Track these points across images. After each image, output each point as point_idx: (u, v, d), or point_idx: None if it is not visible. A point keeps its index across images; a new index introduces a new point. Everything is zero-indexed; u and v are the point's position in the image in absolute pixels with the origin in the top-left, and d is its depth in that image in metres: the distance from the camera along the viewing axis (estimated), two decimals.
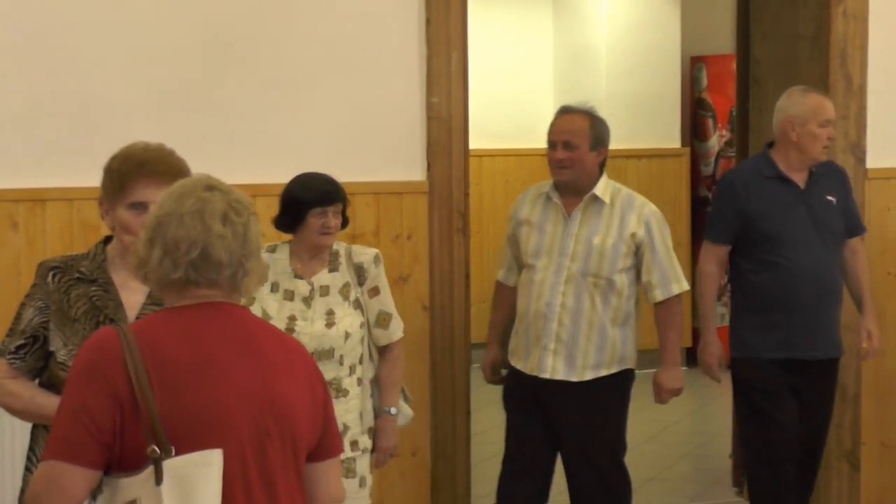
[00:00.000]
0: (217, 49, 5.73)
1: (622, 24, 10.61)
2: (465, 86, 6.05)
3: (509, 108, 10.86)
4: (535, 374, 5.48)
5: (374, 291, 5.09)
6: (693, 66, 10.97)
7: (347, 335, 4.95)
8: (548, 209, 5.55)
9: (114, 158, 3.79)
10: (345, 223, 5.02)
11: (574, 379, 5.45)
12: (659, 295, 5.51)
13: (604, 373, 5.49)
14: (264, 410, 2.99)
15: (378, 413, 5.11)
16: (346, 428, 4.97)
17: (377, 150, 5.95)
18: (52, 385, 3.77)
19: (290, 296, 4.95)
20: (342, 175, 5.70)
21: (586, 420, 5.51)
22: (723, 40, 10.71)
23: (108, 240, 3.90)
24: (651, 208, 5.53)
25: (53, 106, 5.49)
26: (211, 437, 2.88)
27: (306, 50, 5.84)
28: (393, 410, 5.14)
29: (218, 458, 2.86)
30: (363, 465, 5.05)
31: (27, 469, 3.84)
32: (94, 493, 2.91)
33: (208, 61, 5.72)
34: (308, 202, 4.90)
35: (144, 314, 3.77)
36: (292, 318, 4.92)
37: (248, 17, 5.79)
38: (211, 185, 3.09)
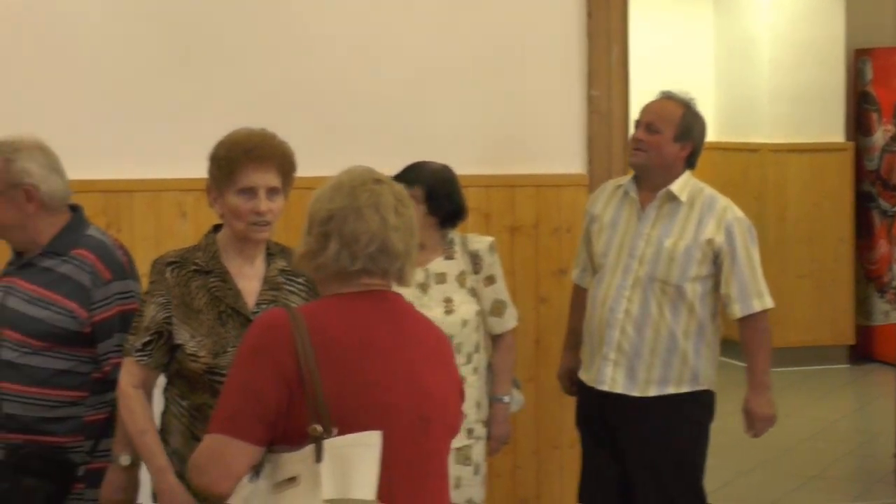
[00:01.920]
0: (371, 42, 5.81)
1: (785, 16, 10.48)
2: (625, 79, 6.03)
3: None
4: (593, 385, 5.09)
5: (490, 280, 5.09)
6: (857, 58, 10.79)
7: (465, 322, 4.97)
8: (623, 205, 5.12)
9: (220, 146, 3.84)
10: (458, 214, 5.01)
11: (635, 394, 4.99)
12: (738, 311, 4.98)
13: (671, 390, 4.99)
14: (423, 396, 3.05)
15: (491, 401, 5.11)
16: (462, 416, 5.01)
17: (537, 143, 5.96)
18: (182, 377, 3.83)
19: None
20: (502, 167, 5.78)
21: (652, 443, 5.02)
22: (889, 33, 10.52)
23: (217, 228, 3.94)
24: (735, 213, 5.01)
25: (217, 97, 5.62)
26: (372, 420, 2.94)
27: (468, 42, 5.87)
28: (506, 398, 5.14)
29: (377, 439, 2.91)
30: (478, 452, 5.07)
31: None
32: (256, 469, 2.97)
33: (363, 54, 5.80)
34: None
35: (263, 301, 3.83)
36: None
37: (407, 10, 5.86)
38: (378, 179, 3.15)
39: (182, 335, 3.78)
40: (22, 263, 4.22)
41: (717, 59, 11.10)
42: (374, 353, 3.01)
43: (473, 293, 5.03)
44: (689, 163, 5.07)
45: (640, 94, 6.35)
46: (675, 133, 5.01)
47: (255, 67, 5.67)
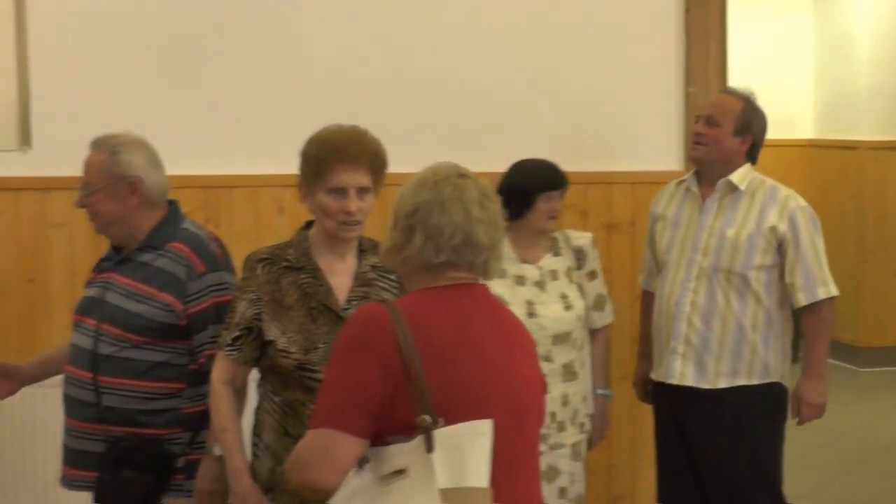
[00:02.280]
0: (467, 39, 5.82)
1: (886, 13, 10.35)
2: (723, 76, 6.00)
3: (767, 99, 10.66)
4: (663, 380, 5.07)
5: (592, 275, 5.11)
6: None
7: (579, 317, 5.00)
8: (685, 201, 5.11)
9: (310, 143, 3.84)
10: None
11: (705, 386, 4.95)
12: (802, 299, 4.90)
13: (742, 382, 4.95)
14: (517, 388, 3.06)
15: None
16: (575, 412, 5.01)
17: (634, 140, 5.95)
18: (273, 372, 3.84)
19: (521, 281, 4.97)
20: (599, 165, 5.77)
21: (724, 437, 4.97)
22: None
23: (309, 224, 3.95)
24: (798, 202, 4.97)
25: (314, 94, 5.66)
26: (472, 411, 2.94)
27: (565, 38, 5.87)
28: (606, 392, 5.16)
29: (489, 427, 2.92)
30: (584, 447, 5.12)
31: (255, 446, 3.93)
32: (361, 462, 2.97)
33: (464, 49, 5.81)
34: (537, 188, 4.94)
35: (354, 297, 3.84)
36: (530, 303, 4.94)
37: (503, 6, 5.86)
38: (462, 173, 3.17)
39: (273, 331, 3.80)
40: (120, 259, 4.28)
41: (815, 56, 11.00)
42: (472, 344, 3.02)
43: (580, 288, 5.05)
44: (750, 157, 5.07)
45: None
46: (735, 127, 5.01)
47: (353, 64, 5.71)
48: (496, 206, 3.17)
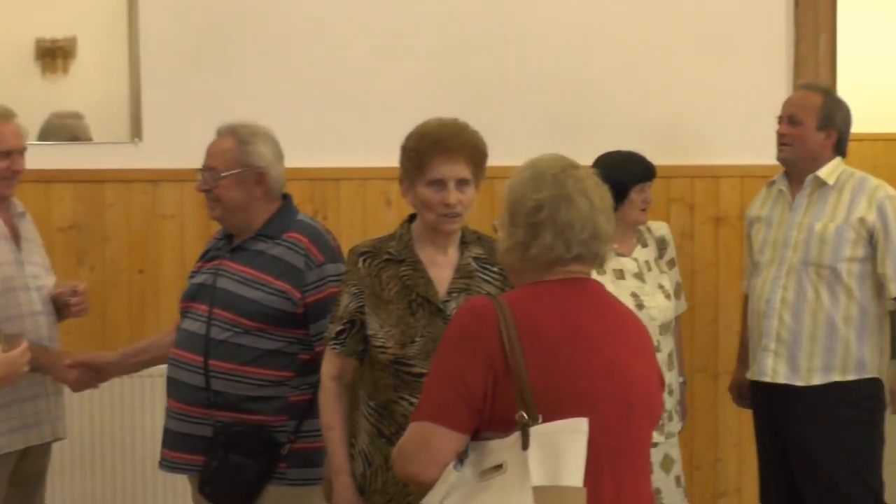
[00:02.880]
0: (576, 33, 5.82)
1: None
2: (833, 69, 5.93)
3: (877, 92, 10.56)
4: (756, 378, 5.02)
5: (672, 263, 5.13)
6: None
7: (676, 307, 5.01)
8: (777, 202, 5.07)
9: (410, 137, 3.84)
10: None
11: (799, 383, 4.89)
12: (894, 289, 4.84)
13: (836, 378, 4.87)
14: (628, 384, 3.02)
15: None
16: (676, 401, 5.03)
17: (743, 133, 5.90)
18: (369, 369, 3.85)
19: (620, 274, 4.95)
20: (707, 158, 5.73)
21: (819, 435, 4.89)
22: None
23: (412, 218, 3.94)
24: (887, 191, 4.89)
25: (422, 87, 5.69)
26: (578, 407, 2.91)
27: (673, 32, 5.85)
28: (684, 379, 5.17)
29: (585, 426, 2.89)
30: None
31: (352, 447, 3.92)
32: (461, 457, 2.97)
33: (569, 43, 5.81)
34: (631, 179, 4.93)
35: (454, 289, 3.82)
36: (635, 295, 4.94)
37: (613, 1, 5.86)
38: (574, 164, 3.15)
39: (372, 325, 3.80)
40: (232, 247, 4.32)
41: None
42: (578, 340, 2.99)
43: (665, 277, 5.06)
44: (838, 150, 5.00)
45: (848, 85, 6.27)
46: (818, 122, 4.96)
47: (460, 58, 5.73)
48: (608, 193, 3.15)
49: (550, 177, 3.08)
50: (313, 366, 4.13)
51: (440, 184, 3.76)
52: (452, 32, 5.74)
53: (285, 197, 4.39)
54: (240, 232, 4.32)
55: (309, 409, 4.18)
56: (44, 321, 4.55)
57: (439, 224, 3.81)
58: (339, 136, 5.68)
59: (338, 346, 3.86)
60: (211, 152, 4.33)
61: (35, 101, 5.64)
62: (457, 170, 3.78)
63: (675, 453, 5.02)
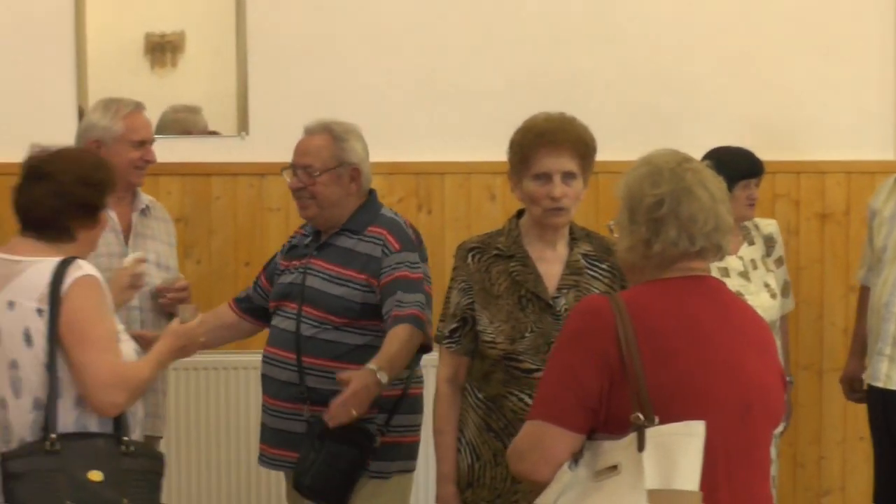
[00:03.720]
0: (680, 27, 5.80)
1: None
2: None
3: None
4: (870, 382, 4.87)
5: (780, 261, 5.08)
6: None
7: (781, 305, 4.97)
8: None
9: (517, 132, 3.84)
10: None
11: None
12: None
13: None
14: (746, 384, 2.97)
15: None
16: (785, 405, 4.98)
17: (848, 129, 5.84)
18: (480, 366, 3.85)
19: (725, 272, 4.90)
20: (812, 153, 5.68)
21: None
22: None
23: (521, 213, 3.94)
24: None
25: (524, 80, 5.68)
26: (695, 408, 2.88)
27: (778, 26, 5.80)
28: (791, 379, 5.07)
29: (701, 429, 2.85)
30: None
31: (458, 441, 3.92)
32: (576, 457, 2.96)
33: (674, 38, 5.80)
34: (735, 175, 4.88)
35: (564, 285, 3.82)
36: (740, 294, 4.86)
37: None
38: (688, 157, 3.10)
39: (482, 321, 3.80)
40: (319, 245, 4.33)
41: None
42: (696, 339, 2.95)
43: (772, 276, 5.02)
44: None
45: None
46: None
47: (565, 52, 5.72)
48: (724, 185, 3.11)
49: (668, 171, 3.04)
50: None
51: (545, 177, 3.76)
52: (557, 27, 5.73)
53: (371, 192, 4.40)
54: (327, 228, 4.34)
55: (399, 403, 4.20)
56: (137, 315, 4.59)
57: (545, 218, 3.81)
58: (444, 131, 5.70)
59: (453, 345, 3.86)
60: (304, 150, 4.34)
61: (144, 95, 5.72)
62: (561, 162, 3.77)
63: (773, 453, 4.97)
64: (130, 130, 4.63)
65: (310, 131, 4.36)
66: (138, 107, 4.71)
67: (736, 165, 4.92)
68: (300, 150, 4.36)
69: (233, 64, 5.68)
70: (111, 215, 4.63)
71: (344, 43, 5.68)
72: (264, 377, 4.36)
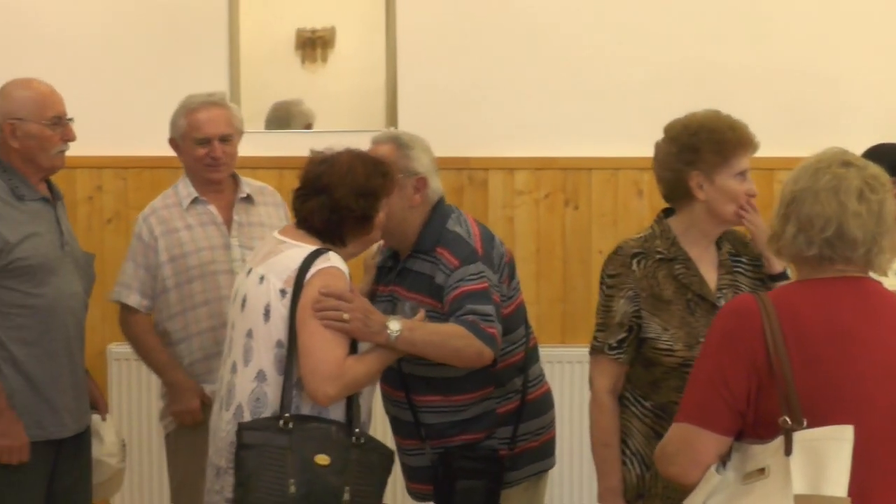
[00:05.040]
0: (830, 24, 5.73)
1: None
2: None
3: None
4: None
5: None
6: None
7: None
8: None
9: (706, 130, 3.73)
10: None
11: None
12: None
13: None
14: None
15: None
16: None
17: None
18: (644, 372, 3.74)
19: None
20: None
21: None
22: None
23: (666, 213, 3.86)
24: None
25: (671, 77, 5.67)
26: (845, 412, 2.84)
27: None
28: None
29: (850, 434, 2.80)
30: None
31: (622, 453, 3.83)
32: (724, 459, 2.94)
33: (825, 33, 5.72)
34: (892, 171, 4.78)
35: (723, 285, 3.76)
36: None
37: None
38: (847, 161, 3.04)
39: (653, 328, 3.71)
40: (399, 270, 4.18)
41: None
42: (846, 342, 2.90)
43: None
44: None
45: None
46: None
47: (713, 47, 5.68)
48: (881, 197, 3.01)
49: (812, 170, 3.01)
50: (510, 373, 4.10)
51: (743, 175, 3.73)
52: (703, 23, 5.69)
53: (437, 204, 4.19)
54: (399, 245, 4.19)
55: (520, 413, 4.13)
56: None
57: (735, 216, 3.76)
58: (592, 126, 5.68)
59: (622, 356, 3.75)
60: None
61: (295, 90, 5.81)
62: (746, 161, 3.77)
63: None
64: (193, 128, 4.64)
65: (376, 141, 4.22)
66: (209, 102, 4.68)
67: (886, 161, 4.81)
68: None
69: (382, 59, 5.73)
70: (210, 209, 4.70)
71: (492, 39, 5.69)
72: (388, 415, 4.30)
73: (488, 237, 4.13)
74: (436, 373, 4.03)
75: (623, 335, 3.73)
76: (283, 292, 3.73)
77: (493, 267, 4.04)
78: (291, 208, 3.94)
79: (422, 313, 3.92)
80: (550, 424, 4.28)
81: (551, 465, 4.29)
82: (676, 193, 3.79)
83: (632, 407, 3.79)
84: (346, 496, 3.66)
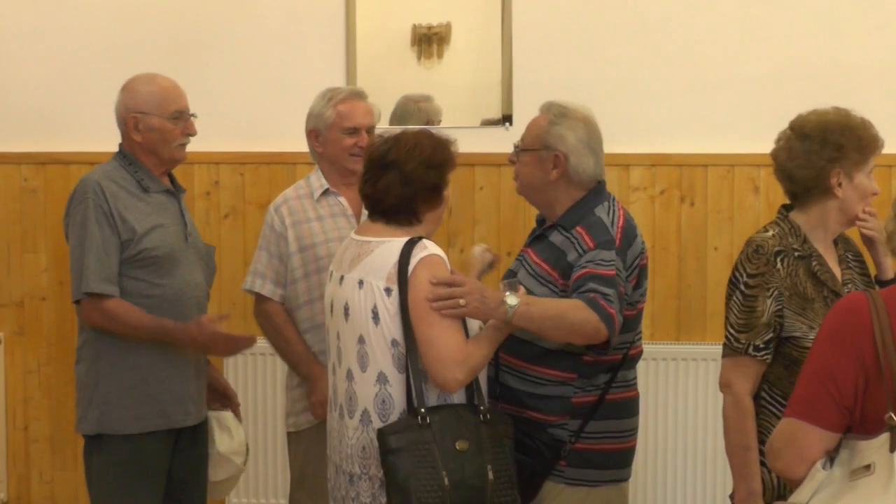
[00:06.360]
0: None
1: None
2: None
3: None
4: None
5: None
6: None
7: None
8: None
9: (849, 128, 3.72)
10: None
11: None
12: None
13: None
14: None
15: None
16: None
17: None
18: (785, 372, 3.71)
19: None
20: None
21: None
22: None
23: (787, 208, 3.84)
24: None
25: (791, 72, 5.62)
26: None
27: None
28: None
29: None
30: None
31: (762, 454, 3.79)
32: (831, 455, 2.94)
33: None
34: None
35: (846, 281, 3.77)
36: None
37: None
38: None
39: (798, 327, 3.69)
40: (535, 235, 4.24)
41: None
42: None
43: None
44: None
45: None
46: None
47: (825, 43, 5.63)
48: None
49: None
50: (597, 367, 4.05)
51: (870, 174, 3.77)
52: (823, 16, 5.64)
53: (599, 183, 4.18)
54: (545, 212, 4.22)
55: (593, 410, 4.07)
56: None
57: (857, 218, 3.80)
58: (708, 122, 5.65)
59: (768, 356, 3.72)
60: (527, 126, 4.25)
61: (411, 86, 5.84)
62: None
63: None
64: (342, 118, 4.71)
65: (540, 110, 4.25)
66: (354, 94, 4.78)
67: None
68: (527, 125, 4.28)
69: (498, 55, 5.74)
70: (340, 200, 4.75)
71: (607, 34, 5.69)
72: None
73: (630, 234, 4.09)
74: (530, 337, 4.02)
75: (770, 335, 3.69)
76: (388, 291, 3.77)
77: (623, 262, 4.01)
78: (360, 194, 3.95)
79: (522, 290, 3.89)
80: (629, 433, 4.17)
81: (621, 478, 4.18)
82: (813, 190, 3.77)
83: (770, 407, 3.75)
84: (490, 475, 3.73)
